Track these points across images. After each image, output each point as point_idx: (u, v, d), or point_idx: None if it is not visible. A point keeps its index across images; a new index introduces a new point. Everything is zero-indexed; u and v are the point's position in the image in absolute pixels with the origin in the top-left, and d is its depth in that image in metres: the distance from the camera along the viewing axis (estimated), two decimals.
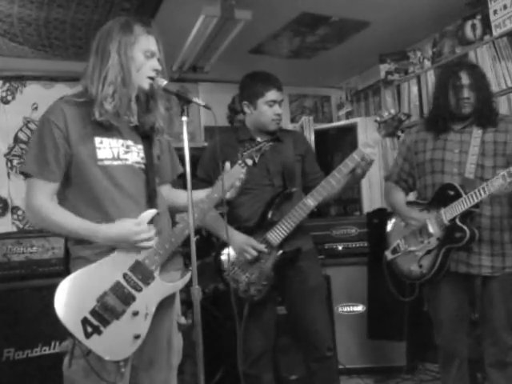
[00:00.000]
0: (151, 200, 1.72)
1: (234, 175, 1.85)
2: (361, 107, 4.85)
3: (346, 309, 3.38)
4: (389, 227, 2.57)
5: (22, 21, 3.16)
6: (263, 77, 2.43)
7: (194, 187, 2.23)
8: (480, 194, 2.13)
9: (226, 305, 2.90)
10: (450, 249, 2.27)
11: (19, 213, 3.88)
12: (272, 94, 2.38)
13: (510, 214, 2.30)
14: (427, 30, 3.75)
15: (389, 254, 2.49)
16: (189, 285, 1.67)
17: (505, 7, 3.01)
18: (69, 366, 1.60)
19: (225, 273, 2.30)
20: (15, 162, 3.92)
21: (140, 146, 1.75)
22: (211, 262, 2.45)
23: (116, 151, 1.68)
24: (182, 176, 1.90)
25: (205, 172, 2.40)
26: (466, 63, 2.45)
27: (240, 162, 1.87)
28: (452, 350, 2.39)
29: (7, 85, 3.92)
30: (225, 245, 2.33)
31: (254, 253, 2.26)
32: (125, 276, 1.63)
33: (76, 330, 1.54)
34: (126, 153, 1.70)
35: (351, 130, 4.13)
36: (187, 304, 2.06)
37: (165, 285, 1.71)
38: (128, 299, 1.62)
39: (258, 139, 1.97)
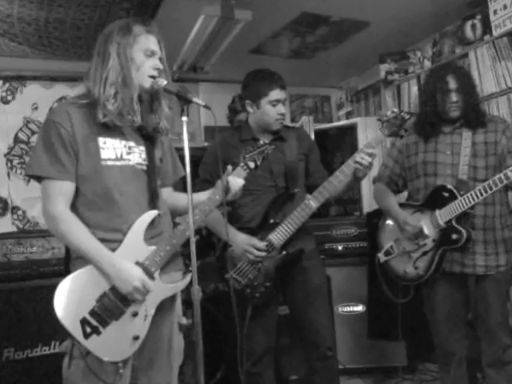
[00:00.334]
0: (153, 201, 1.72)
1: (235, 178, 1.84)
2: (361, 107, 4.84)
3: (345, 309, 3.38)
4: (380, 228, 2.58)
5: (22, 21, 3.16)
6: (266, 75, 2.39)
7: (197, 188, 2.22)
8: (477, 196, 2.16)
9: (226, 305, 2.90)
10: (446, 250, 2.29)
11: (19, 213, 3.88)
12: (276, 94, 2.34)
13: (501, 213, 2.32)
14: (427, 30, 3.74)
15: (382, 256, 2.50)
16: (189, 285, 1.68)
17: (505, 7, 3.00)
18: (68, 366, 1.60)
19: (227, 274, 2.30)
20: (15, 161, 3.92)
21: (142, 148, 1.75)
22: (211, 261, 2.45)
23: (119, 152, 1.69)
24: (182, 177, 1.90)
25: (207, 173, 2.38)
26: (452, 67, 2.46)
27: (242, 164, 1.86)
28: (449, 350, 2.40)
29: (7, 85, 3.92)
30: (226, 245, 2.32)
31: (257, 253, 2.26)
32: None
33: (75, 330, 1.55)
34: (129, 154, 1.71)
35: (351, 130, 4.12)
36: (187, 304, 2.06)
37: (165, 286, 1.71)
38: (127, 300, 1.62)
39: (261, 141, 1.95)
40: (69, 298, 1.55)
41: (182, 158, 1.76)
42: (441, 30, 3.69)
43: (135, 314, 1.63)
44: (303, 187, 2.47)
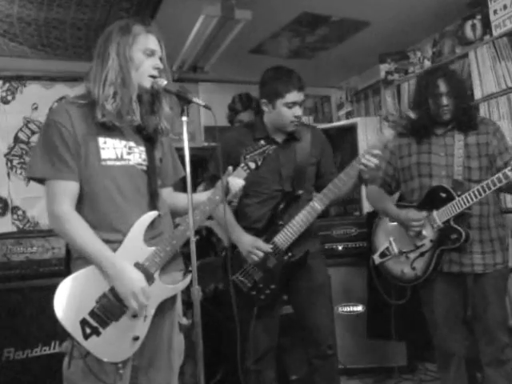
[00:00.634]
0: (153, 202, 1.72)
1: (235, 178, 1.84)
2: (361, 107, 4.84)
3: (345, 309, 3.38)
4: (374, 230, 2.58)
5: (22, 21, 3.16)
6: (284, 75, 2.30)
7: (207, 181, 2.21)
8: (475, 196, 2.17)
9: (226, 305, 2.90)
10: (443, 250, 2.30)
11: (19, 213, 3.88)
12: (292, 96, 2.28)
13: (495, 212, 2.36)
14: (427, 30, 3.74)
15: (377, 258, 2.50)
16: (189, 285, 1.67)
17: (505, 7, 3.00)
18: (68, 366, 1.60)
19: (233, 276, 2.29)
20: (15, 161, 3.92)
21: (142, 148, 1.75)
22: (211, 261, 2.45)
23: (119, 152, 1.68)
24: (183, 177, 1.90)
25: (217, 168, 2.35)
26: (443, 70, 2.48)
27: (243, 165, 1.86)
28: (449, 350, 2.41)
29: (7, 85, 3.91)
30: (233, 246, 2.32)
31: (261, 254, 2.25)
32: None
33: (74, 330, 1.55)
34: (129, 154, 1.71)
35: (351, 130, 4.12)
36: (187, 304, 2.06)
37: (165, 287, 1.71)
38: None
39: (262, 142, 1.91)
40: (69, 299, 1.55)
41: (181, 158, 1.75)
42: (441, 30, 3.69)
43: (135, 315, 1.63)
44: (311, 190, 2.45)
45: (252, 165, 1.86)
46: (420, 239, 2.34)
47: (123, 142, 1.70)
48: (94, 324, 1.57)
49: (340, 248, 3.43)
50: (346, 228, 3.46)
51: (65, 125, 1.61)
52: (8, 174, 3.88)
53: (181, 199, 1.87)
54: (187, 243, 1.62)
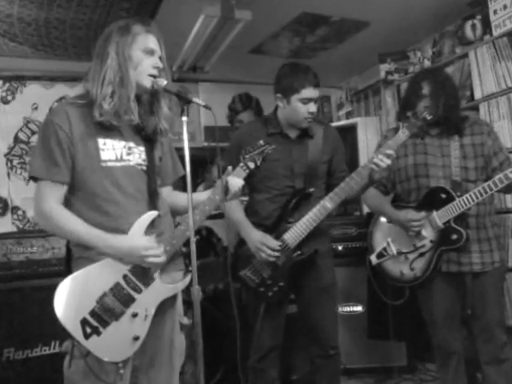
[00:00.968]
0: (153, 201, 1.72)
1: (235, 178, 1.84)
2: (361, 107, 4.84)
3: (345, 309, 3.38)
4: (371, 231, 2.57)
5: (22, 21, 3.16)
6: (301, 71, 2.29)
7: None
8: (477, 197, 2.19)
9: (226, 304, 2.90)
10: (443, 250, 2.31)
11: (19, 213, 3.88)
12: (307, 92, 2.27)
13: (490, 211, 2.40)
14: (427, 30, 3.74)
15: (374, 259, 2.49)
16: (189, 285, 1.67)
17: (505, 7, 3.00)
18: (69, 366, 1.60)
19: (241, 272, 2.29)
20: (15, 161, 3.92)
21: (141, 148, 1.75)
22: (211, 261, 2.44)
23: (119, 152, 1.69)
24: (183, 177, 1.90)
25: (229, 161, 2.28)
26: (429, 71, 2.51)
27: (242, 164, 1.85)
28: (449, 350, 2.41)
29: (7, 85, 3.92)
30: (241, 242, 2.33)
31: (269, 252, 2.23)
32: (125, 277, 1.64)
33: (75, 330, 1.55)
34: (129, 154, 1.71)
35: (351, 130, 4.12)
36: (187, 304, 2.06)
37: (165, 286, 1.71)
38: (127, 300, 1.62)
39: (261, 142, 1.90)
40: (69, 299, 1.55)
41: (181, 158, 1.75)
42: (441, 30, 3.69)
43: (135, 315, 1.63)
44: (322, 187, 2.43)
45: (251, 164, 1.85)
46: (419, 240, 2.34)
47: (123, 143, 1.70)
48: (95, 324, 1.57)
49: (340, 248, 3.43)
50: (346, 228, 3.46)
51: (62, 126, 1.62)
52: (8, 174, 3.89)
53: (180, 198, 1.87)
54: (188, 243, 1.62)
